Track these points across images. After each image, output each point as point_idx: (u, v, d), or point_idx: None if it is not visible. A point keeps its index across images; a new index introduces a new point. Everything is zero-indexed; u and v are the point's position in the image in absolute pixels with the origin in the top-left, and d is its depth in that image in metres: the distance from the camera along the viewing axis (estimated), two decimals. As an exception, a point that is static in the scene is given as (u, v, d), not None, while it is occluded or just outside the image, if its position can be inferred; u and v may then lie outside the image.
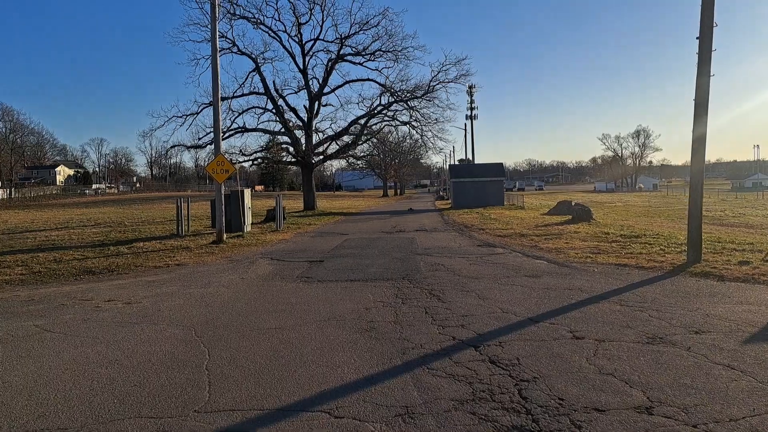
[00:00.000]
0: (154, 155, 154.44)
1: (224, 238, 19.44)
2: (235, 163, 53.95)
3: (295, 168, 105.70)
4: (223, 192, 19.51)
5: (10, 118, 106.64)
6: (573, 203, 37.35)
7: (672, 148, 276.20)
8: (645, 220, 28.32)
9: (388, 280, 10.98)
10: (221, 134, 44.04)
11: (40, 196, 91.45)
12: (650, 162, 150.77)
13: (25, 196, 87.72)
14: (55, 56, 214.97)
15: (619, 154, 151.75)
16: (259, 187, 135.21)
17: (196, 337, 7.00)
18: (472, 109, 64.66)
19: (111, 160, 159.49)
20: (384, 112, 44.29)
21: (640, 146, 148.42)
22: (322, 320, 7.70)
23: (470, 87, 62.79)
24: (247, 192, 25.27)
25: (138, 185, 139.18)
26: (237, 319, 7.96)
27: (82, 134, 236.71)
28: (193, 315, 8.32)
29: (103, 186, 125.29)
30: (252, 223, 29.51)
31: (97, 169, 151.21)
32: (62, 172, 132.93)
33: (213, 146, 19.87)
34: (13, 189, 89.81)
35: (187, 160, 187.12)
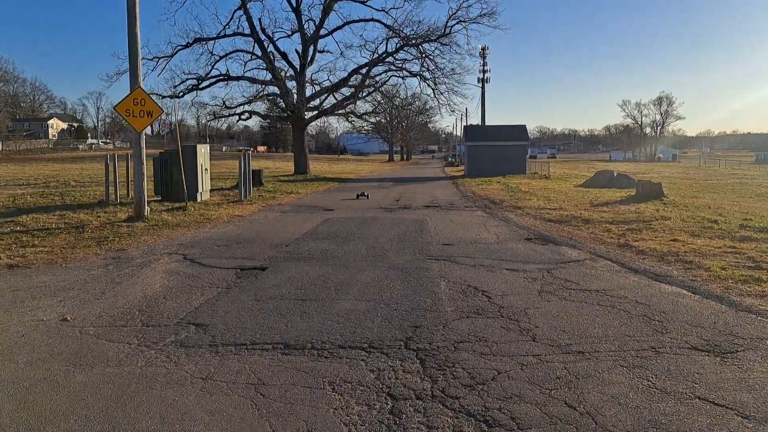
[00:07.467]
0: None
1: (146, 213, 13.12)
2: (220, 117, 47.41)
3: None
4: (143, 146, 13.06)
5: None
6: (615, 174, 30.98)
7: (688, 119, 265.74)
8: (721, 198, 21.88)
9: (369, 352, 4.67)
10: (200, 82, 37.46)
11: (27, 149, 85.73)
12: (661, 131, 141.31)
13: (9, 149, 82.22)
14: (54, 8, 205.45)
15: (639, 122, 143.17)
16: (261, 148, 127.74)
17: None
18: (484, 71, 58.68)
19: (110, 114, 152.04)
20: (390, 60, 37.36)
21: (662, 114, 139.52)
22: None
23: (483, 49, 57.78)
24: (204, 148, 18.88)
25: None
26: None
27: (81, 87, 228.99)
28: None
29: (97, 141, 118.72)
30: (221, 189, 23.31)
31: (96, 124, 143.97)
32: (55, 126, 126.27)
33: (129, 73, 13.25)
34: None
35: (189, 117, 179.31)
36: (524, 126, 43.34)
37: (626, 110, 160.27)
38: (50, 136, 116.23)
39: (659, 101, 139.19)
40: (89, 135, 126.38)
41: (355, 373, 4.23)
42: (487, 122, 55.85)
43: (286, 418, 3.52)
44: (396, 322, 5.46)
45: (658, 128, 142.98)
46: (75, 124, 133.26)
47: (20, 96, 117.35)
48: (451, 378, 4.14)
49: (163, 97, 39.72)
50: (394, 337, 5.05)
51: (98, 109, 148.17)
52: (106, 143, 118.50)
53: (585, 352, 4.67)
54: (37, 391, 3.88)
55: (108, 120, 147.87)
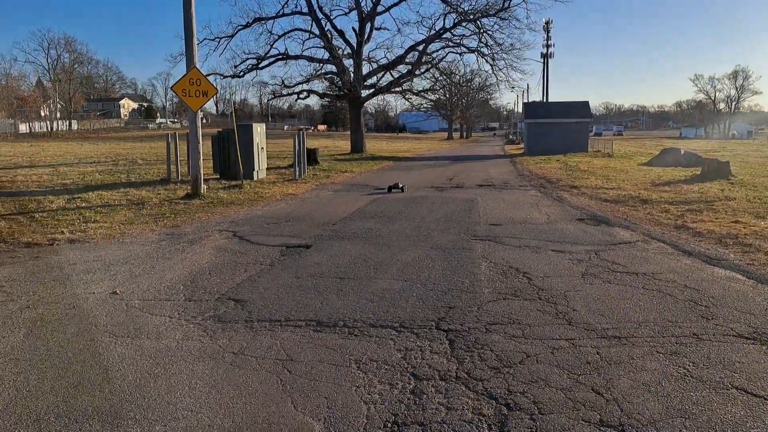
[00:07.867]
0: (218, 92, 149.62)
1: (202, 191, 13.55)
2: (279, 96, 47.91)
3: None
4: (198, 125, 13.45)
5: (72, 48, 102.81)
6: (682, 151, 29.64)
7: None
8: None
9: (400, 332, 4.68)
10: (259, 61, 37.98)
11: (101, 128, 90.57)
12: (736, 107, 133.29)
13: (84, 128, 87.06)
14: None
15: (713, 98, 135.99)
16: (321, 127, 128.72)
17: None
18: (548, 46, 57.06)
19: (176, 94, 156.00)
20: (447, 36, 36.79)
21: (737, 88, 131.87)
22: None
23: (546, 23, 56.16)
24: (260, 127, 19.23)
25: (204, 121, 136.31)
26: None
27: (151, 68, 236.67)
28: None
29: (165, 120, 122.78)
30: (278, 168, 23.73)
31: (164, 104, 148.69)
32: (126, 105, 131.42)
33: (185, 55, 13.60)
34: (72, 121, 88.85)
35: (251, 96, 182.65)
36: (587, 102, 42.03)
37: (699, 85, 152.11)
38: (122, 116, 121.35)
39: (734, 75, 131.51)
40: (158, 114, 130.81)
41: (383, 352, 4.26)
42: (551, 98, 54.55)
43: (308, 394, 3.59)
44: (430, 302, 5.45)
45: (733, 104, 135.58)
46: (145, 104, 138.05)
47: (94, 77, 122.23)
48: (478, 360, 4.10)
49: (224, 76, 40.76)
50: (426, 317, 5.04)
51: (166, 89, 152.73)
52: (173, 122, 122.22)
53: (622, 337, 4.53)
54: (78, 361, 4.09)
55: (176, 100, 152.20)
